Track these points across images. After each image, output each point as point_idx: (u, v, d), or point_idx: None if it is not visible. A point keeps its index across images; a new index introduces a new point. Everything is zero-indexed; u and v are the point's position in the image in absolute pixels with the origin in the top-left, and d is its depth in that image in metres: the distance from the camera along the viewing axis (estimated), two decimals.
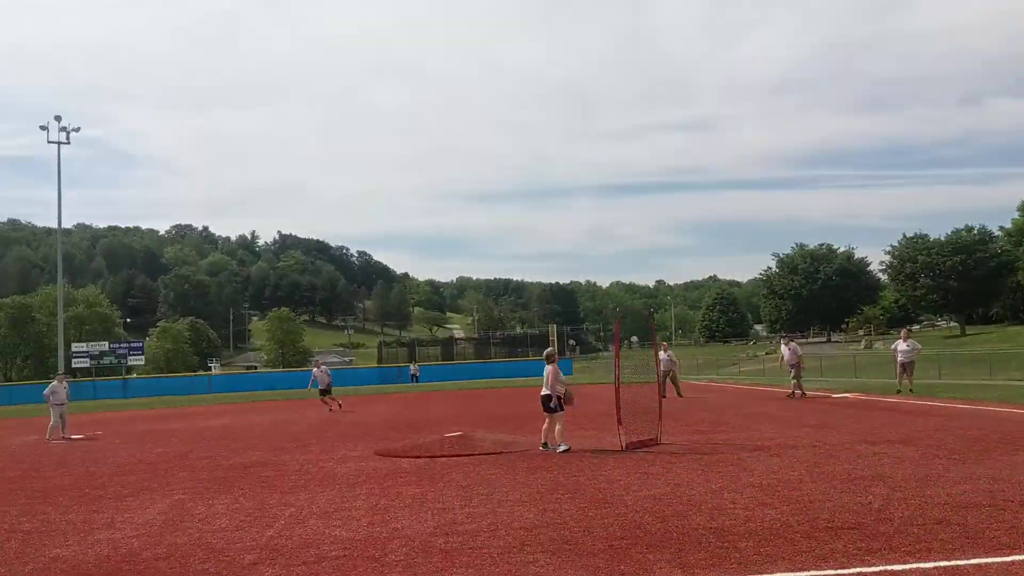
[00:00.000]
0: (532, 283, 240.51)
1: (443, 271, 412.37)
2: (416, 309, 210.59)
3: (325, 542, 7.81)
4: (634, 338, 55.21)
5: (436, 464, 12.89)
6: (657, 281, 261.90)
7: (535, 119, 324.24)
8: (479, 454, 13.63)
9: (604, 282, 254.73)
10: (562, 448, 13.29)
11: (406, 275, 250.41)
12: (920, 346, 25.79)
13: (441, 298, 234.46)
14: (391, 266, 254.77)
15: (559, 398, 13.59)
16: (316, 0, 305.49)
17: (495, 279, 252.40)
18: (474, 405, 28.40)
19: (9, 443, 22.16)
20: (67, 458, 17.08)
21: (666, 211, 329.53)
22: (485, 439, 15.05)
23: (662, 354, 25.11)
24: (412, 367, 60.72)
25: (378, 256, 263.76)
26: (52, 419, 22.09)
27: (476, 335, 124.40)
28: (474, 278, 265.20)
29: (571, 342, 75.36)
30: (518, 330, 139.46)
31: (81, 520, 9.72)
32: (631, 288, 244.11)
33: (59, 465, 15.81)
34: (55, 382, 23.04)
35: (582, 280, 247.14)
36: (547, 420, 13.77)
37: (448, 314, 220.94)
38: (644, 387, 15.46)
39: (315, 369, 30.19)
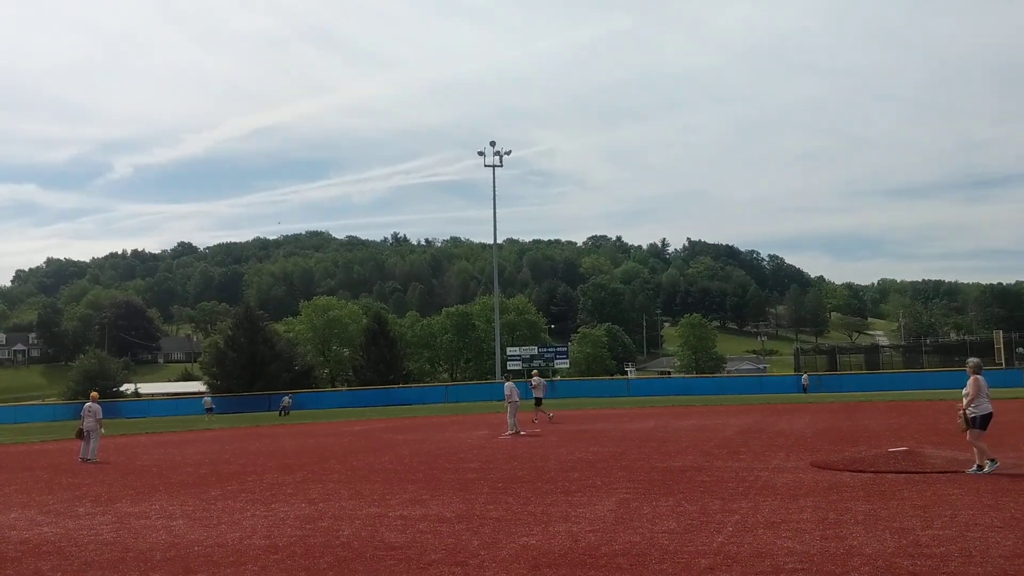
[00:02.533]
0: (968, 284, 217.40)
1: (862, 273, 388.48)
2: (833, 314, 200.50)
3: (779, 553, 7.62)
4: None
5: (883, 480, 12.05)
6: None
7: (961, 101, 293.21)
8: (931, 472, 12.50)
9: None
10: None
11: (821, 278, 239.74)
12: None
13: (861, 302, 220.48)
14: (804, 269, 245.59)
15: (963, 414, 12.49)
16: (716, 6, 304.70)
17: (923, 280, 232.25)
18: (911, 418, 26.24)
19: (465, 437, 24.78)
20: (516, 453, 18.68)
21: None
22: (935, 456, 13.79)
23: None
24: (803, 377, 57.53)
25: (790, 259, 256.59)
26: (508, 417, 24.19)
27: (903, 342, 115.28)
28: (898, 280, 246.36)
29: (1020, 350, 66.67)
30: (953, 337, 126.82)
31: (540, 512, 10.52)
32: None
33: (510, 459, 17.33)
34: (509, 383, 24.99)
35: None
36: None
37: (869, 319, 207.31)
38: None
39: (534, 379, 31.54)
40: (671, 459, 15.99)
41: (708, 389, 62.35)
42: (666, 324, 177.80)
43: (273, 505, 12.10)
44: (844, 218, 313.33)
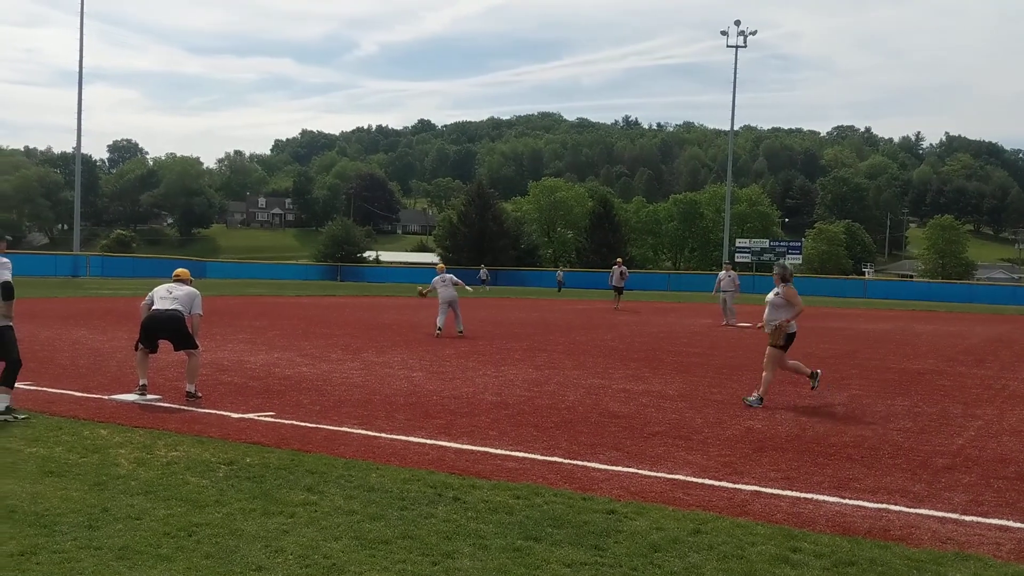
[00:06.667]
0: None
1: None
2: None
3: None
4: None
5: None
6: None
7: None
8: None
9: None
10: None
11: None
12: None
13: None
14: None
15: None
16: None
17: None
18: None
19: (687, 324, 24.72)
20: (740, 342, 18.45)
21: None
22: None
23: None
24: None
25: None
26: (722, 306, 23.86)
27: None
28: None
29: None
30: None
31: (766, 399, 10.39)
32: None
33: (733, 348, 17.15)
34: (723, 271, 24.57)
35: None
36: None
37: None
38: None
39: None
40: (909, 361, 15.21)
41: (954, 296, 58.22)
42: (912, 225, 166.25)
43: (502, 367, 12.73)
44: None
